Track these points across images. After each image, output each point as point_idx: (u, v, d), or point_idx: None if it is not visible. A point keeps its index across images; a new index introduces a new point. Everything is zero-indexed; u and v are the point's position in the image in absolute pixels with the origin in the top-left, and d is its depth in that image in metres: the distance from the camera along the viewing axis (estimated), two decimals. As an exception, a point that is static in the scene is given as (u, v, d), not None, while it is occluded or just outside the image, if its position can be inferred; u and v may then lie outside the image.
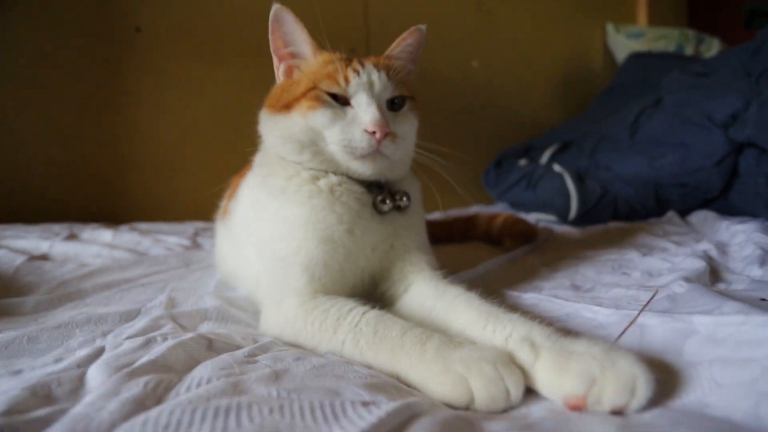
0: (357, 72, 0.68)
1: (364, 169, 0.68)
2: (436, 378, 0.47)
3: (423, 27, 0.75)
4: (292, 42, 0.72)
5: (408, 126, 0.72)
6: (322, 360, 0.54)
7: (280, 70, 0.75)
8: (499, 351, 0.48)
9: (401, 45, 0.76)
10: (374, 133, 0.64)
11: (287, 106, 0.69)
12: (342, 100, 0.68)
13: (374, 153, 0.66)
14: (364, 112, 0.65)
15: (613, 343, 0.53)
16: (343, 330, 0.57)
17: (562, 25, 2.74)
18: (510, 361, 0.47)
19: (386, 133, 0.65)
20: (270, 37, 0.72)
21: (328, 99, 0.67)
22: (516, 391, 0.44)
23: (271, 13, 0.70)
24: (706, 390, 0.42)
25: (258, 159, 0.78)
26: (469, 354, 0.47)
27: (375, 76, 0.68)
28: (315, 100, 0.66)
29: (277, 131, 0.70)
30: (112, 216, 1.63)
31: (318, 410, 0.40)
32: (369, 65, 0.70)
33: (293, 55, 0.73)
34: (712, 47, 2.63)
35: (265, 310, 0.68)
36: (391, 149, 0.67)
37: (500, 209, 1.95)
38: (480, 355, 0.46)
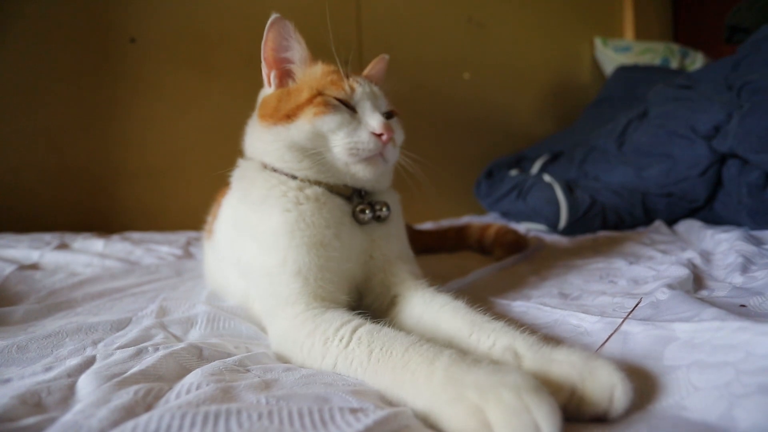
0: (358, 83, 0.72)
1: (365, 172, 0.69)
2: (447, 409, 0.39)
3: (387, 56, 0.86)
4: (288, 50, 0.73)
5: (400, 134, 0.76)
6: (312, 370, 0.54)
7: (271, 77, 0.74)
8: (523, 374, 0.40)
9: (375, 69, 0.84)
10: (381, 135, 0.67)
11: (289, 115, 0.68)
12: (346, 107, 0.69)
13: (377, 156, 0.69)
14: (370, 117, 0.69)
15: (596, 351, 0.55)
16: (331, 354, 0.53)
17: (551, 38, 2.80)
18: (539, 386, 0.38)
19: (390, 137, 0.68)
20: (263, 45, 0.72)
21: (337, 104, 0.68)
22: (548, 427, 0.35)
23: (270, 21, 0.70)
24: (684, 393, 0.43)
25: (237, 174, 0.77)
26: (486, 377, 0.40)
27: (375, 88, 0.74)
28: (323, 106, 0.67)
29: (279, 141, 0.69)
30: (105, 225, 1.63)
31: (306, 416, 0.41)
32: (364, 79, 0.74)
33: (287, 62, 0.74)
34: (696, 61, 2.70)
35: (267, 327, 0.67)
36: (392, 153, 0.71)
37: (491, 219, 1.97)
38: (499, 379, 0.39)
